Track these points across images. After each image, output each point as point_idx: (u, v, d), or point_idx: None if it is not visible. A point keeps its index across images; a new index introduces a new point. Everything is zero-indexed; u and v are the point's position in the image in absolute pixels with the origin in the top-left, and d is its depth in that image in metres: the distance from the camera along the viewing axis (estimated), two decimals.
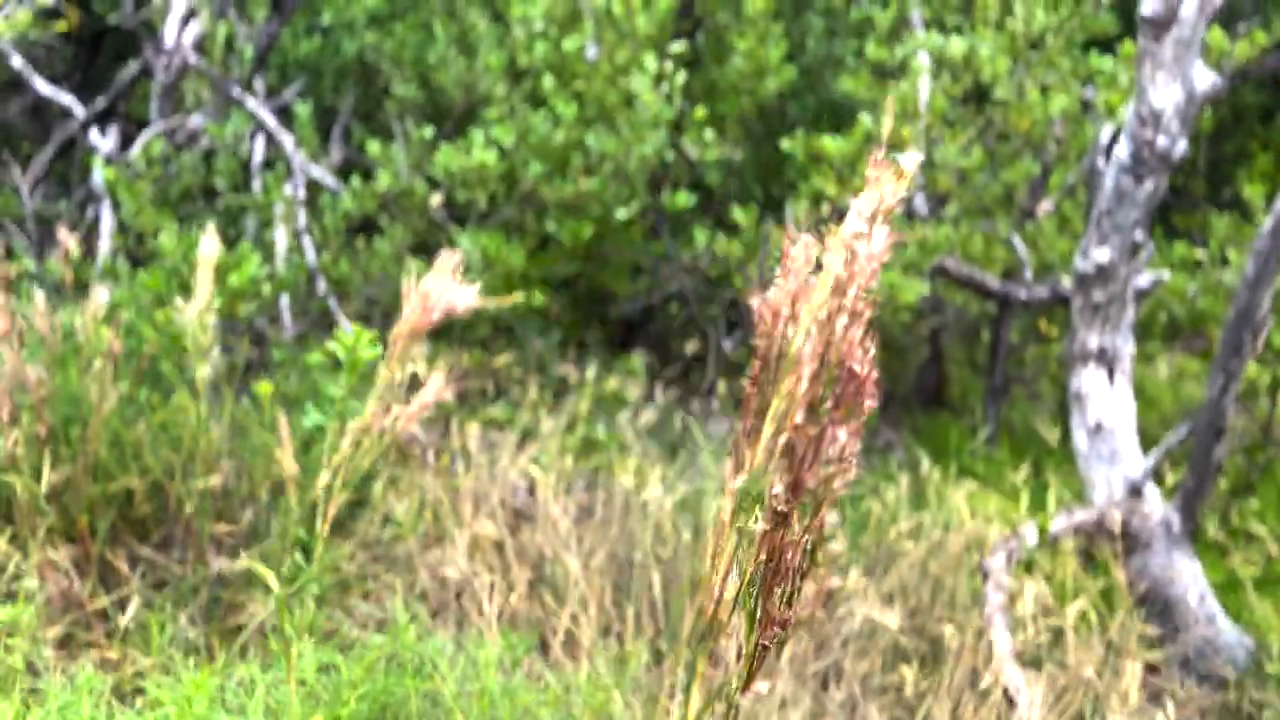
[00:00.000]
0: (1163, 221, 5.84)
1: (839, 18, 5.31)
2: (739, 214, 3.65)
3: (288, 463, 1.37)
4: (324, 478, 1.56)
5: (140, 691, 1.86)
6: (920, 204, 4.22)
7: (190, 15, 3.50)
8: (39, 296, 2.16)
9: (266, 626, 2.00)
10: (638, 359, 3.85)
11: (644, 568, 2.61)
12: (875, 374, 0.85)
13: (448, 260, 2.66)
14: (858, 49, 5.43)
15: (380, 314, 3.73)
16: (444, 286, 1.55)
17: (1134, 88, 3.62)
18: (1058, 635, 2.55)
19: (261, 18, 4.03)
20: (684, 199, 3.65)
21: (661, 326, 5.31)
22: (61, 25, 3.32)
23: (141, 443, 2.36)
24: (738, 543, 0.95)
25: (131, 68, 4.02)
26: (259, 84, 4.01)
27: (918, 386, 4.96)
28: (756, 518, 0.93)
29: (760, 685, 1.01)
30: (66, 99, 4.29)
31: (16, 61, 4.28)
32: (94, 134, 3.98)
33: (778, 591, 0.91)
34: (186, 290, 2.88)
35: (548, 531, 2.67)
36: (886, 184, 0.85)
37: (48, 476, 2.06)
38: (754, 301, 0.86)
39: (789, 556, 0.89)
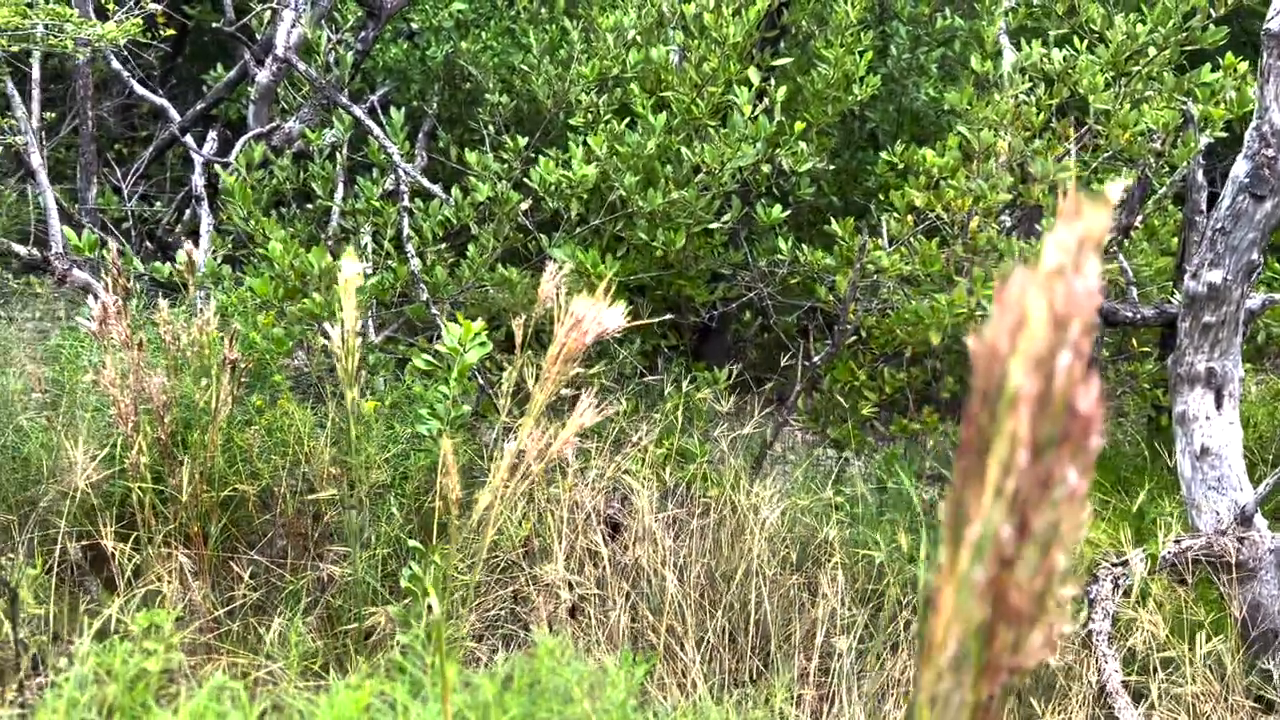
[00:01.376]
0: None
1: (923, 26, 5.26)
2: (836, 226, 3.61)
3: (454, 487, 1.37)
4: (483, 500, 1.56)
5: (258, 694, 1.88)
6: (1005, 217, 4.15)
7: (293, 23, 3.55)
8: (163, 305, 2.20)
9: (383, 633, 2.02)
10: (721, 372, 3.83)
11: (742, 584, 2.59)
12: (1099, 410, 0.83)
13: (552, 273, 2.67)
14: (941, 57, 5.38)
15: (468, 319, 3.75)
16: (595, 309, 1.55)
17: (1246, 103, 3.53)
18: (1167, 666, 2.49)
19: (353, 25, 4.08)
20: (777, 212, 3.63)
21: (735, 334, 5.29)
22: (170, 31, 3.38)
23: (252, 448, 2.39)
24: (960, 590, 0.93)
25: (230, 73, 4.08)
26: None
27: None
28: (979, 563, 0.91)
29: None
30: (160, 101, 4.38)
31: (115, 63, 4.39)
32: (191, 139, 4.06)
33: (1004, 638, 0.88)
34: (292, 296, 2.93)
35: (644, 543, 2.66)
36: (1092, 212, 0.82)
37: (169, 482, 2.10)
38: (969, 340, 0.84)
39: (1016, 602, 0.86)
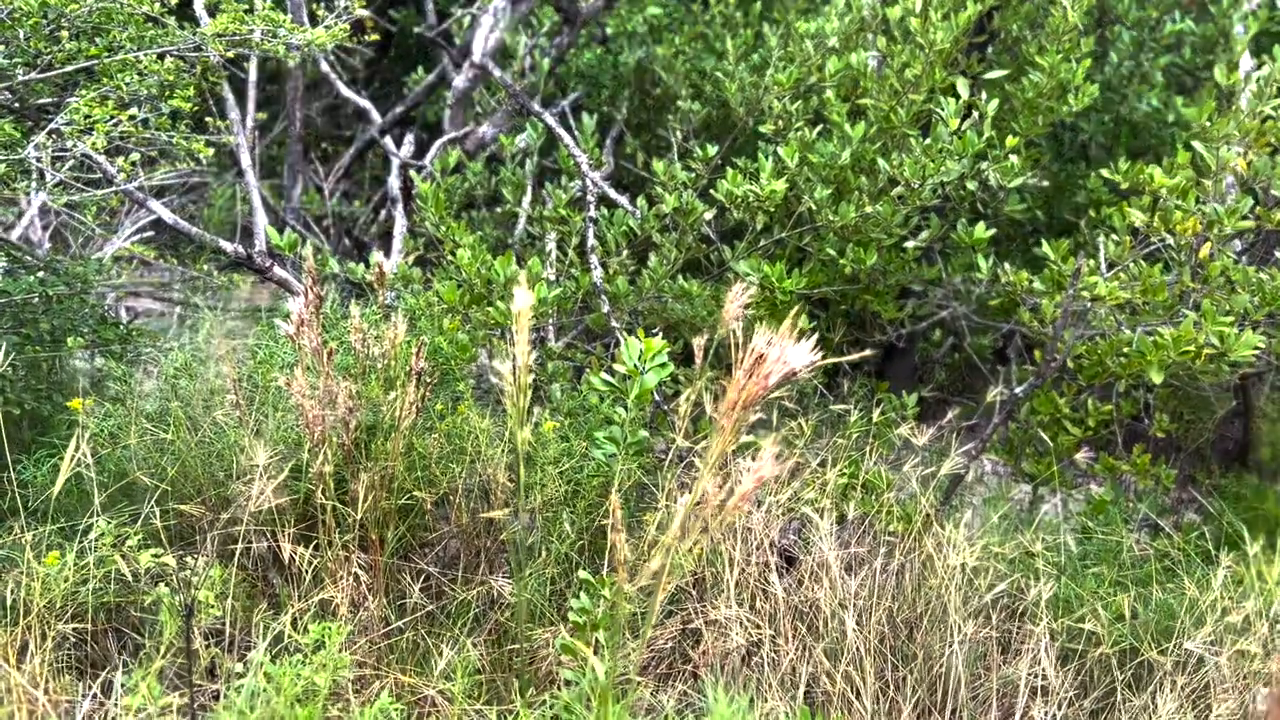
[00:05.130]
0: None
1: (1148, 30, 4.85)
2: (1048, 247, 3.35)
3: (622, 547, 1.28)
4: (655, 560, 1.47)
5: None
6: (1236, 243, 3.76)
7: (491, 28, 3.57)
8: (354, 311, 2.22)
9: (549, 657, 1.96)
10: (910, 397, 3.62)
11: (928, 633, 2.41)
12: None
13: (740, 292, 2.56)
14: (1166, 66, 4.95)
15: (646, 330, 3.69)
16: (781, 346, 1.42)
17: None
18: None
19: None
20: (980, 231, 3.39)
21: (923, 354, 5.03)
22: (374, 36, 3.46)
23: (431, 455, 2.39)
24: None
25: (429, 77, 4.17)
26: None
27: (1218, 441, 4.44)
28: None
29: None
30: (364, 102, 4.53)
31: (324, 65, 4.56)
32: (389, 140, 4.16)
33: None
34: (478, 302, 2.93)
35: (820, 580, 2.51)
36: None
37: (349, 488, 2.11)
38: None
39: None
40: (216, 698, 1.74)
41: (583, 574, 1.76)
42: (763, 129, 3.82)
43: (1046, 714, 2.31)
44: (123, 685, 1.54)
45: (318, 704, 1.49)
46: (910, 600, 2.58)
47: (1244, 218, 3.25)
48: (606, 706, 1.05)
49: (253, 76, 4.40)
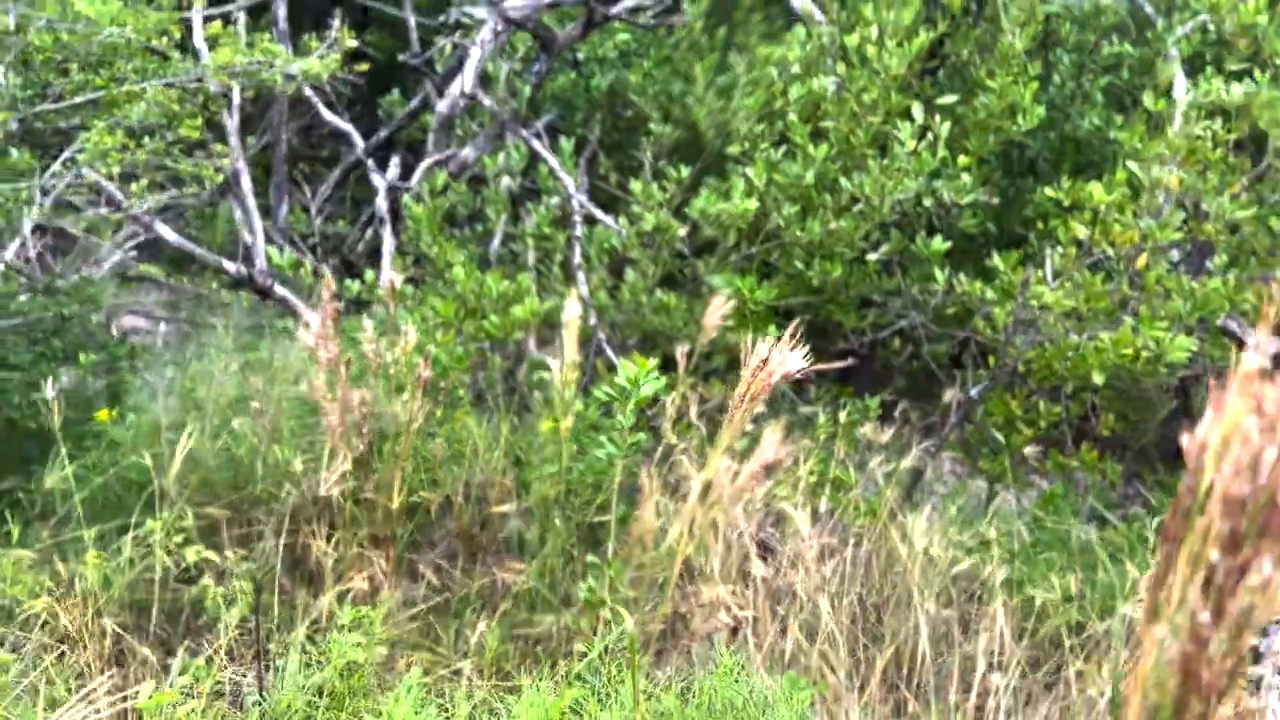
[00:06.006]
0: None
1: (1088, 53, 5.16)
2: (998, 259, 3.61)
3: (649, 522, 1.48)
4: (673, 533, 1.67)
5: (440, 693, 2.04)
6: (1174, 253, 4.04)
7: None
8: (367, 325, 2.41)
9: (555, 641, 2.16)
10: (874, 400, 3.86)
11: (895, 615, 2.63)
12: None
13: (717, 305, 2.77)
14: (1106, 86, 5.25)
15: (623, 341, 3.91)
16: (780, 353, 1.64)
17: None
18: None
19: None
20: (938, 244, 3.64)
21: (884, 361, 5.28)
22: (364, 66, 3.65)
23: (436, 460, 2.57)
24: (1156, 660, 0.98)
25: (412, 102, 4.35)
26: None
27: (1161, 440, 4.72)
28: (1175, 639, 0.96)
29: None
30: (345, 125, 4.70)
31: (306, 89, 4.73)
32: (373, 163, 4.34)
33: (1194, 709, 0.94)
34: (472, 316, 3.12)
35: (798, 568, 2.73)
36: None
37: (365, 488, 2.29)
38: (1184, 439, 0.90)
39: (1207, 678, 0.92)
40: (260, 678, 1.91)
41: (590, 558, 1.96)
42: (731, 150, 4.05)
43: (1003, 685, 2.54)
44: (183, 666, 1.70)
45: (363, 674, 1.67)
46: (878, 585, 2.80)
47: (1177, 230, 3.54)
48: (634, 654, 1.23)
49: (236, 100, 4.56)
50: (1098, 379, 3.21)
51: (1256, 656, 2.58)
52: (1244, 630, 0.89)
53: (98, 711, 1.72)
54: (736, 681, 1.60)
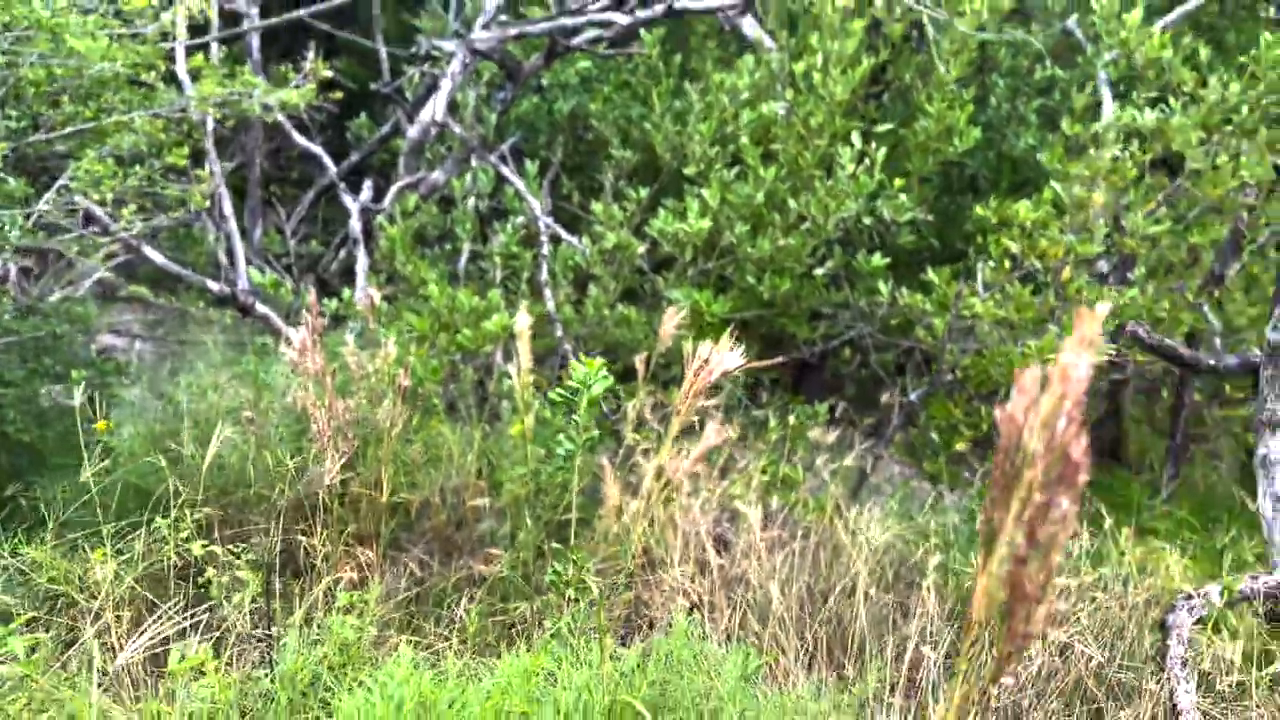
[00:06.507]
0: None
1: (1022, 78, 5.47)
2: (933, 274, 3.87)
3: (613, 496, 1.69)
4: (635, 505, 1.89)
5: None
6: (1102, 264, 4.34)
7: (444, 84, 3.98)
8: (349, 339, 2.61)
9: (526, 626, 2.36)
10: (823, 405, 4.11)
11: (839, 600, 2.86)
12: (1086, 460, 1.13)
13: (673, 314, 3.00)
14: (1039, 108, 5.57)
15: (588, 353, 4.13)
16: (719, 353, 1.87)
17: None
18: (1241, 692, 2.67)
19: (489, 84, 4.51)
20: (877, 260, 3.90)
21: (834, 370, 5.55)
22: (337, 95, 3.85)
23: (415, 464, 2.78)
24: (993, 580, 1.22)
25: (383, 128, 4.55)
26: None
27: (1093, 441, 5.02)
28: (1003, 562, 1.21)
29: (1006, 679, 1.28)
30: (317, 149, 4.89)
31: (279, 115, 4.91)
32: (344, 185, 4.53)
33: (1020, 613, 1.19)
34: (445, 330, 3.32)
35: (750, 559, 2.96)
36: (1088, 326, 1.12)
37: (350, 489, 2.48)
38: (997, 412, 1.14)
39: (1028, 588, 1.16)
40: (262, 655, 2.09)
41: (555, 544, 2.16)
42: (686, 171, 4.29)
43: (934, 661, 2.78)
44: (193, 643, 1.88)
45: (359, 648, 1.86)
46: (825, 574, 3.04)
47: (1100, 245, 3.83)
48: (600, 615, 1.42)
49: (210, 126, 4.73)
50: None
51: (1163, 629, 2.85)
52: (1050, 552, 1.14)
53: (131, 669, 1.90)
54: (690, 645, 1.81)
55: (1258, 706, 2.55)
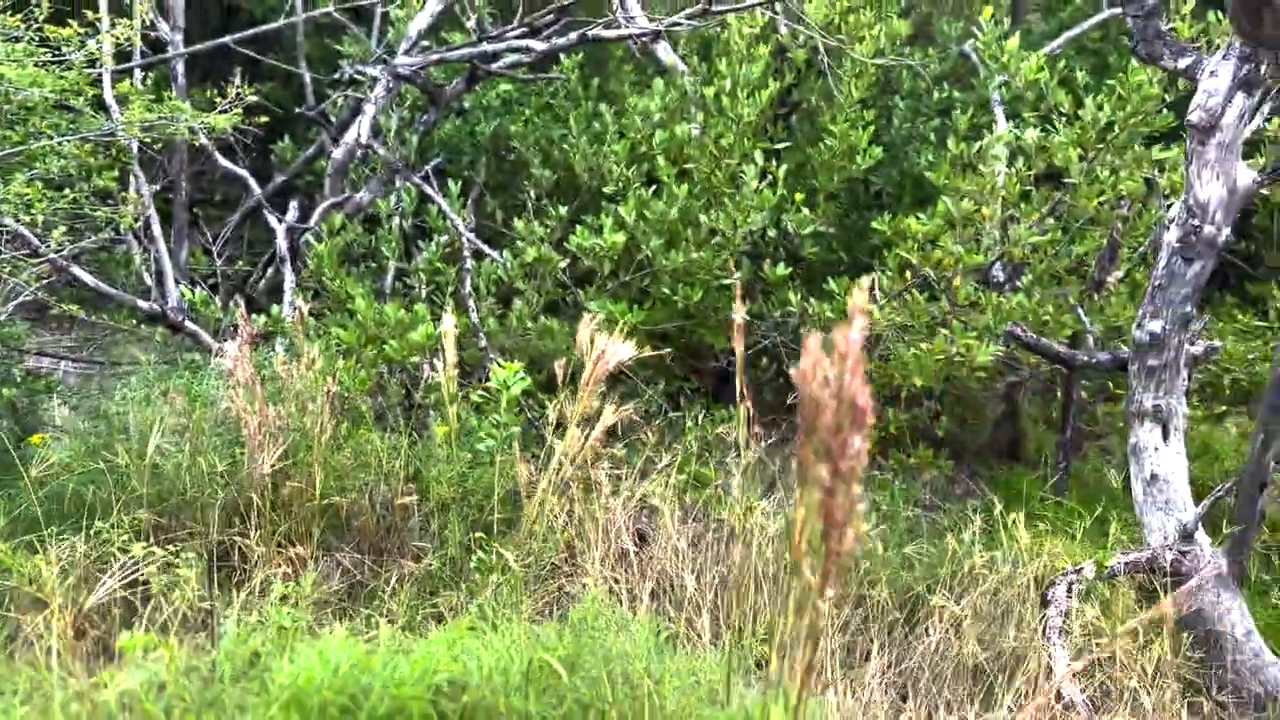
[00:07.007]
0: (1239, 291, 6.16)
1: (922, 99, 5.80)
2: (834, 283, 4.12)
3: (523, 471, 1.85)
4: (542, 484, 2.06)
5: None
6: (997, 271, 4.65)
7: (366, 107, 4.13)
8: (279, 351, 2.74)
9: (459, 611, 2.51)
10: (740, 409, 4.32)
11: (749, 588, 3.07)
12: (870, 404, 1.36)
13: (588, 322, 3.19)
14: (939, 127, 5.91)
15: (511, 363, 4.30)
16: (613, 345, 2.06)
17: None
18: (1111, 656, 2.93)
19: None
20: (781, 270, 4.14)
21: (752, 378, 5.79)
22: (263, 119, 3.97)
23: (345, 470, 2.91)
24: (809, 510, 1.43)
25: (308, 150, 4.68)
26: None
27: (993, 441, 5.33)
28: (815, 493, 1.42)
29: (829, 592, 1.49)
30: (242, 172, 4.99)
31: (203, 138, 5.00)
32: (272, 206, 4.64)
33: (833, 535, 1.41)
34: (372, 343, 3.46)
35: (668, 551, 3.15)
36: (861, 304, 1.35)
37: (281, 493, 2.62)
38: (793, 371, 1.36)
39: (837, 515, 1.38)
40: (203, 644, 2.21)
41: (478, 534, 2.33)
42: (605, 190, 4.50)
43: (839, 645, 3.00)
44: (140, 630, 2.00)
45: (296, 633, 2.00)
46: (739, 565, 3.24)
47: (984, 255, 4.13)
48: (520, 589, 1.58)
49: (135, 148, 4.81)
50: (919, 382, 3.74)
51: (1044, 602, 3.10)
52: (851, 483, 1.37)
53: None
54: (603, 613, 1.99)
55: (1122, 667, 2.81)
